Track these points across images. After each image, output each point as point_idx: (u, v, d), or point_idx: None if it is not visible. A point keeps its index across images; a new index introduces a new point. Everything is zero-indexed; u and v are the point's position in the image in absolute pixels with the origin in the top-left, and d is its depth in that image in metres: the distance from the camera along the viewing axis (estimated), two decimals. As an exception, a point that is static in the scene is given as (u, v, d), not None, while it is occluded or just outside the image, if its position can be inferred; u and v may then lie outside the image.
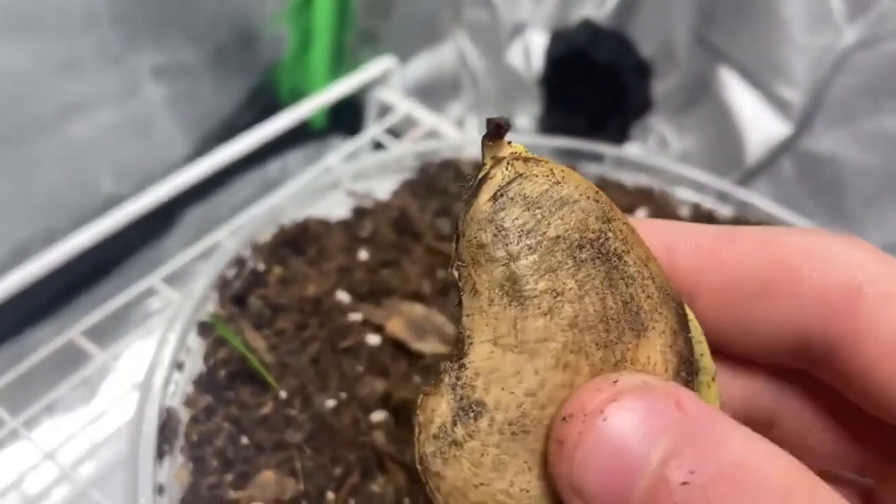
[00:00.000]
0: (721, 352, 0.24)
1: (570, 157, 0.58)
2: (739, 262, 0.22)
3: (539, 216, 0.20)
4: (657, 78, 0.68)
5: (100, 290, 0.79)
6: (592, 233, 0.21)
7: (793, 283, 0.21)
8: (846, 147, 0.65)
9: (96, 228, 0.63)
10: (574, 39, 0.66)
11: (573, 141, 0.58)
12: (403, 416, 0.40)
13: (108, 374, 0.60)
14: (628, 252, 0.21)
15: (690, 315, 0.22)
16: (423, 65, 0.90)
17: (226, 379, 0.40)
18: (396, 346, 0.43)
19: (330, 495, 0.37)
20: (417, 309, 0.44)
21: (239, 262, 0.45)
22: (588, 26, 0.65)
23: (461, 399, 0.20)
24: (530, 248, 0.20)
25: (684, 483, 0.16)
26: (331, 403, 0.40)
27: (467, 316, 0.20)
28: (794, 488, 0.16)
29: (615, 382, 0.19)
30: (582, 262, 0.20)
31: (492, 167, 0.21)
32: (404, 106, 0.78)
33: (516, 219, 0.20)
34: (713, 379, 0.22)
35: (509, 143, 0.21)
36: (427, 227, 0.49)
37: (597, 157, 0.58)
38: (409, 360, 0.42)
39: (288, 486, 0.36)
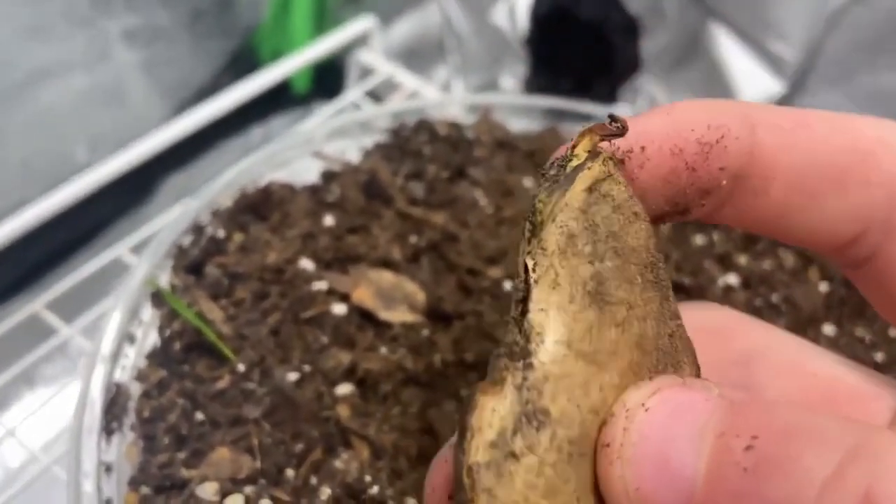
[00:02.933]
0: (783, 239, 0.23)
1: (557, 118, 0.56)
2: (816, 146, 0.21)
3: (622, 222, 0.19)
4: (646, 36, 0.66)
5: (75, 263, 0.77)
6: (654, 257, 0.20)
7: (866, 171, 0.20)
8: (843, 105, 0.62)
9: (66, 192, 0.61)
10: (559, -4, 0.63)
11: (559, 101, 0.55)
12: (369, 388, 0.38)
13: (72, 349, 0.58)
14: (670, 288, 0.20)
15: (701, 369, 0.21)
16: (408, 27, 0.87)
17: (181, 352, 0.38)
18: (363, 316, 0.41)
19: (289, 473, 0.35)
20: (386, 276, 0.42)
21: (197, 229, 0.42)
22: (572, -19, 0.63)
23: (527, 403, 0.17)
24: (615, 251, 0.19)
25: (748, 448, 0.16)
26: (293, 376, 0.38)
27: (540, 309, 0.18)
28: (869, 429, 0.16)
29: (651, 379, 0.18)
30: (647, 283, 0.19)
31: (587, 159, 0.19)
32: (386, 68, 0.75)
33: (606, 217, 0.19)
34: None
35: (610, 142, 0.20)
36: (398, 190, 0.46)
37: (583, 118, 0.55)
38: (376, 329, 0.40)
39: (244, 464, 0.34)
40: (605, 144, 0.20)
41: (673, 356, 0.20)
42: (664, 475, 0.16)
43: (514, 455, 0.17)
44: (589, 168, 0.19)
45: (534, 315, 0.18)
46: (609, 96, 0.68)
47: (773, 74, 0.61)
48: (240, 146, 0.96)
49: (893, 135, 0.21)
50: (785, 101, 0.63)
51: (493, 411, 0.17)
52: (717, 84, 0.64)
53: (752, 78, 0.62)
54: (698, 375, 0.20)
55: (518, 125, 0.54)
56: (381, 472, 0.35)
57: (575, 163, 0.19)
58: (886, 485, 0.14)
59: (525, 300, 0.18)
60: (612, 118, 0.20)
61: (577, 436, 0.17)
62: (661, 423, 0.17)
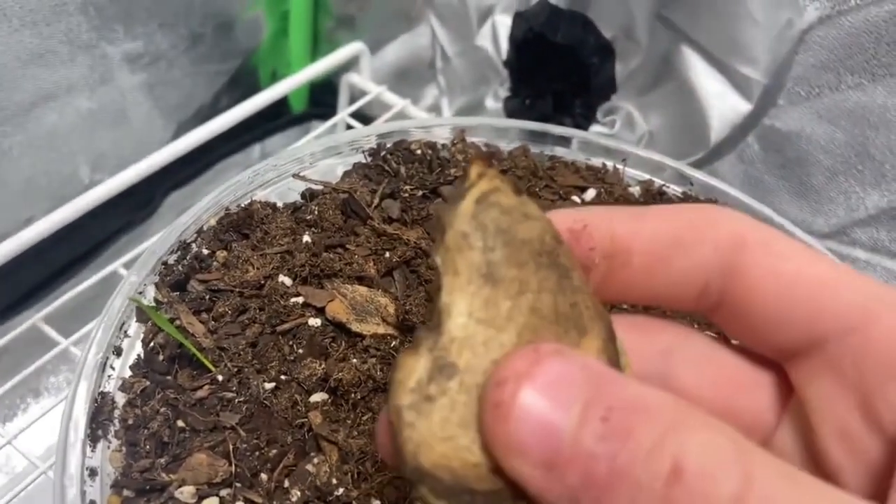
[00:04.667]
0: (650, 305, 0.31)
1: (537, 138, 0.58)
2: (658, 227, 0.27)
3: (511, 221, 0.24)
4: (620, 58, 0.68)
5: (78, 278, 0.80)
6: (549, 246, 0.25)
7: (696, 237, 0.27)
8: (810, 123, 0.64)
9: (70, 209, 0.64)
10: (533, 21, 0.65)
11: (528, 123, 0.57)
12: (341, 396, 0.40)
13: (69, 361, 0.61)
14: (573, 269, 0.25)
15: (618, 335, 0.26)
16: (399, 50, 0.90)
17: (164, 363, 0.40)
18: (337, 328, 0.43)
19: (263, 476, 0.37)
20: (360, 290, 0.45)
21: (183, 247, 0.45)
22: (546, 7, 0.65)
23: (437, 360, 0.23)
24: (504, 243, 0.24)
25: (604, 419, 0.20)
26: (269, 386, 0.40)
27: (447, 293, 0.23)
28: (686, 408, 0.20)
29: (536, 349, 0.22)
30: (541, 265, 0.24)
31: (476, 178, 0.24)
32: (374, 90, 0.78)
33: (494, 219, 0.24)
34: None
35: (492, 166, 0.25)
36: (374, 209, 0.49)
37: (559, 140, 0.57)
38: (349, 341, 0.43)
39: (220, 468, 0.37)
40: (493, 169, 0.25)
41: (576, 321, 0.24)
42: (540, 434, 0.20)
43: (429, 397, 0.22)
44: (476, 185, 0.24)
45: (443, 296, 0.23)
46: (587, 117, 0.70)
47: (741, 94, 0.64)
48: (240, 165, 0.99)
49: (713, 211, 0.27)
50: (753, 119, 0.65)
51: (412, 368, 0.23)
52: (687, 104, 0.66)
53: (721, 98, 0.64)
54: (611, 338, 0.25)
55: (499, 145, 0.56)
56: (347, 475, 0.37)
57: (467, 183, 0.24)
58: (689, 457, 0.18)
59: (439, 288, 0.23)
60: (484, 151, 0.24)
61: (482, 381, 0.22)
62: (541, 391, 0.21)
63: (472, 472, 0.22)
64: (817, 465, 0.26)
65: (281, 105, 0.94)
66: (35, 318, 0.56)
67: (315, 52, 0.96)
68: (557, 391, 0.21)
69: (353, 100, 0.80)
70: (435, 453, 0.22)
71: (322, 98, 0.97)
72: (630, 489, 0.19)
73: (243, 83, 0.95)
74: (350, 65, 0.83)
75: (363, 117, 0.80)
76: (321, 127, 0.75)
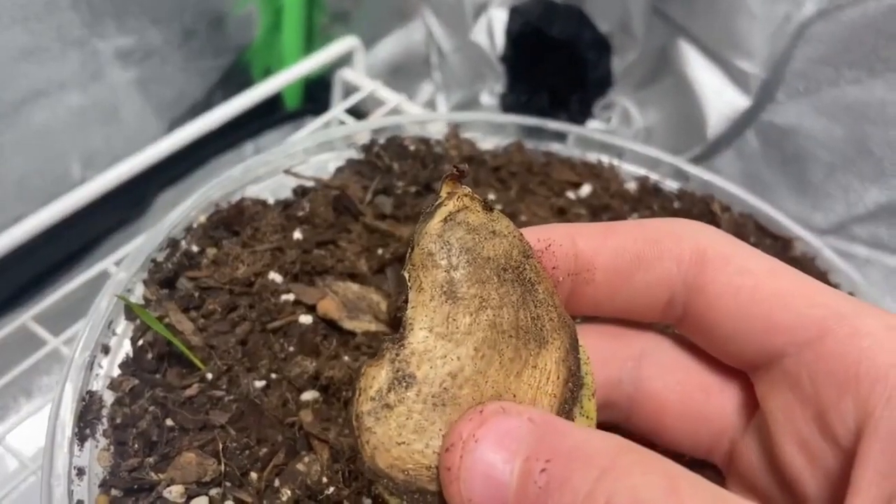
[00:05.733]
0: (615, 317, 0.31)
1: (533, 134, 0.57)
2: (620, 244, 0.28)
3: (477, 240, 0.26)
4: (616, 53, 0.67)
5: (69, 277, 0.79)
6: (515, 262, 0.26)
7: (658, 253, 0.28)
8: (809, 118, 0.64)
9: (61, 206, 0.63)
10: (530, 15, 0.65)
11: (525, 118, 0.57)
12: (332, 394, 0.40)
13: (61, 361, 0.60)
14: (539, 283, 0.27)
15: (581, 342, 0.28)
16: (394, 45, 0.89)
17: (153, 361, 0.40)
18: (329, 326, 0.42)
19: (253, 475, 0.37)
20: (352, 287, 0.44)
21: (173, 244, 0.44)
22: (541, 1, 0.64)
23: (397, 371, 0.25)
24: (468, 262, 0.26)
25: (543, 470, 0.21)
26: (259, 384, 0.40)
27: (412, 307, 0.25)
28: (622, 451, 0.21)
29: (481, 411, 0.24)
30: (504, 281, 0.26)
31: (447, 198, 0.26)
32: (368, 86, 0.77)
33: (460, 238, 0.26)
34: (593, 394, 0.28)
35: (462, 184, 0.27)
36: (367, 205, 0.48)
37: (556, 135, 0.57)
38: (340, 339, 0.42)
39: (209, 467, 0.36)
40: (467, 189, 0.27)
41: (537, 333, 0.26)
42: (489, 490, 0.22)
43: (388, 405, 0.24)
44: (445, 205, 0.26)
45: (408, 311, 0.25)
46: (583, 111, 0.70)
47: (739, 89, 0.63)
48: (234, 162, 0.98)
49: (674, 226, 0.28)
50: (751, 114, 0.64)
51: (374, 377, 0.25)
52: (685, 99, 0.66)
53: (719, 93, 0.64)
54: (574, 347, 0.27)
55: (494, 141, 0.56)
56: (338, 474, 0.36)
57: (437, 202, 0.26)
58: (621, 499, 0.20)
59: (406, 302, 0.25)
60: (455, 166, 0.27)
61: (438, 391, 0.25)
62: (485, 456, 0.23)
63: (424, 474, 0.25)
64: (779, 471, 0.27)
65: (275, 102, 0.94)
66: (25, 317, 0.56)
67: (309, 48, 0.95)
68: (501, 447, 0.22)
69: (347, 96, 0.80)
70: (390, 456, 0.24)
71: (317, 95, 0.96)
72: None
73: (236, 79, 0.94)
74: (344, 60, 0.83)
75: (359, 114, 0.80)
76: (314, 123, 0.75)
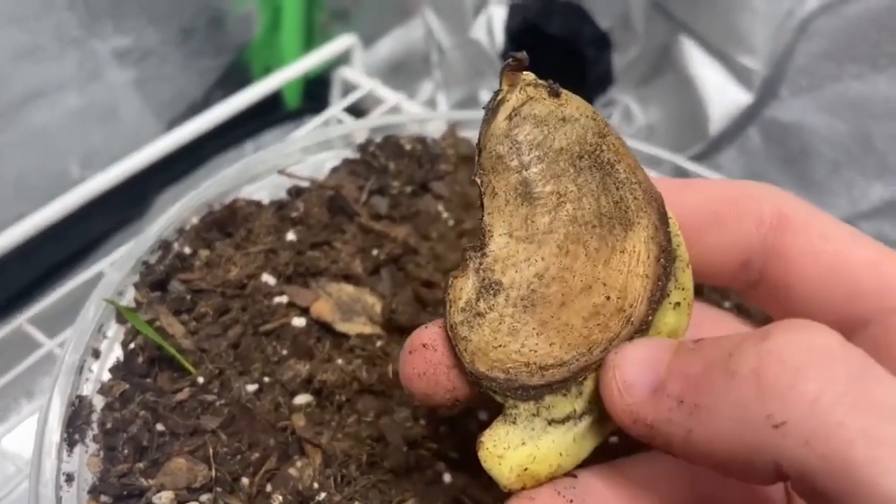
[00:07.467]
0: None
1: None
2: (697, 201, 0.28)
3: (546, 132, 0.25)
4: (617, 50, 0.67)
5: (67, 279, 0.79)
6: (590, 145, 0.25)
7: (737, 213, 0.27)
8: (812, 114, 0.63)
9: (58, 206, 0.63)
10: (529, 12, 0.64)
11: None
12: (325, 398, 0.39)
13: (54, 362, 0.60)
14: (619, 161, 0.26)
15: (670, 213, 0.27)
16: (394, 43, 0.89)
17: (144, 365, 0.39)
18: (322, 328, 0.42)
19: (244, 481, 0.36)
20: (346, 289, 0.44)
21: (165, 246, 0.44)
22: (541, -3, 0.64)
23: (483, 280, 0.25)
24: (539, 158, 0.25)
25: (692, 349, 0.23)
26: (251, 388, 0.39)
27: (488, 214, 0.25)
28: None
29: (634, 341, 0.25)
30: (581, 169, 0.25)
31: (507, 92, 0.25)
32: (367, 84, 0.76)
33: (527, 134, 0.25)
34: (688, 265, 0.27)
35: (523, 72, 0.25)
36: (362, 206, 0.48)
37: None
38: (334, 341, 0.41)
39: (200, 473, 0.36)
40: (529, 76, 0.25)
41: (621, 216, 0.26)
42: (643, 372, 0.23)
43: (479, 314, 0.25)
44: (507, 100, 0.25)
45: (485, 218, 0.25)
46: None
47: (741, 86, 0.62)
48: (234, 161, 0.98)
49: (754, 187, 0.28)
50: (754, 111, 0.63)
51: (461, 288, 0.25)
52: (687, 96, 0.65)
53: (721, 90, 0.63)
54: (664, 220, 0.26)
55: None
56: (330, 479, 0.36)
57: (499, 98, 0.25)
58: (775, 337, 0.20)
59: (481, 208, 0.25)
60: (511, 55, 0.25)
61: (526, 294, 0.25)
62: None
63: (524, 370, 0.25)
64: None
65: (275, 100, 0.93)
66: (21, 319, 0.55)
67: (308, 46, 0.94)
68: (648, 365, 0.23)
69: (346, 94, 0.79)
70: (489, 359, 0.25)
71: (317, 93, 0.95)
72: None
73: (236, 79, 0.94)
74: (343, 58, 0.82)
75: (358, 112, 0.79)
76: (314, 122, 0.74)
